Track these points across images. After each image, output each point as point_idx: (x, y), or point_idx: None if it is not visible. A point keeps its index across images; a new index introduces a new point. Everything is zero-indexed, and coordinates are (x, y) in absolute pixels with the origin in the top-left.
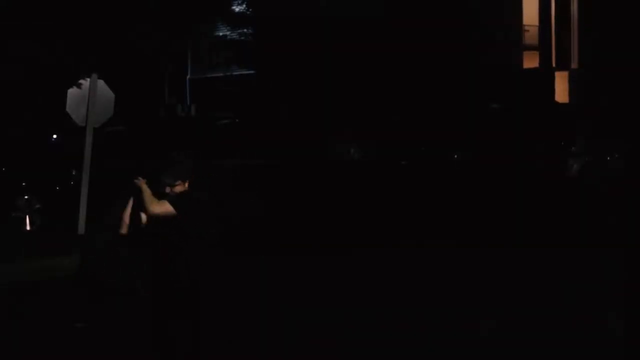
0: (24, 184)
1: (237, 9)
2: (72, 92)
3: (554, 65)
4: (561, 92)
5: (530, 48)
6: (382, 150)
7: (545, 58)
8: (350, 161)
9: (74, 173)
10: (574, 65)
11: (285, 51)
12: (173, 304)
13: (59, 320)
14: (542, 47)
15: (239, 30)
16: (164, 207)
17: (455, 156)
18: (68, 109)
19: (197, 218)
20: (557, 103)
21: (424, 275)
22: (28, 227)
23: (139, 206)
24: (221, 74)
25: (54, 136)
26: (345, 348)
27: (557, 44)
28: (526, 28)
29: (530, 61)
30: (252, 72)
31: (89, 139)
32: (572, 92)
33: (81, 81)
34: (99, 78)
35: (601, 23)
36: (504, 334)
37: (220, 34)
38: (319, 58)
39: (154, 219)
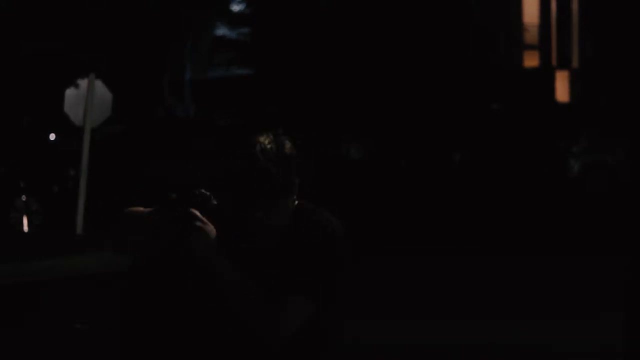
0: (22, 184)
1: (236, 8)
2: (69, 92)
3: (554, 64)
4: (562, 91)
5: (531, 47)
6: (382, 150)
7: (545, 57)
8: (351, 161)
9: (72, 173)
10: (575, 64)
11: (286, 51)
12: None
13: (59, 321)
14: (543, 46)
15: (239, 30)
16: None
17: (456, 156)
18: (66, 109)
19: None
20: (558, 102)
21: (421, 281)
22: (26, 228)
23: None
24: (221, 74)
25: (53, 136)
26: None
27: (558, 43)
28: (527, 27)
29: (531, 60)
30: (252, 72)
31: (86, 139)
32: (572, 91)
33: (79, 81)
34: (97, 78)
35: (602, 22)
36: (503, 336)
37: (220, 34)
38: (320, 59)
39: None
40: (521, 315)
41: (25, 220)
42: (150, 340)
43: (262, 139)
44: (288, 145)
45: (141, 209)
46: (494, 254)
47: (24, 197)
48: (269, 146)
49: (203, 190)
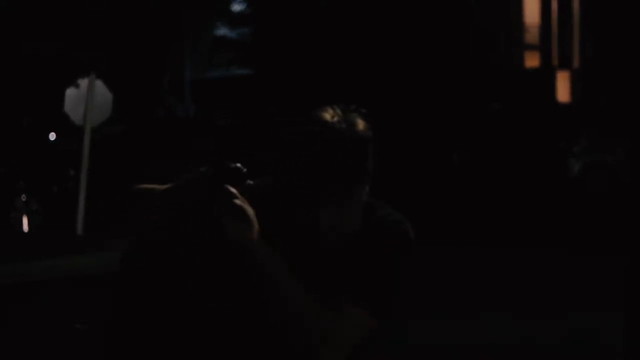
0: (22, 184)
1: (237, 8)
2: (69, 92)
3: (555, 64)
4: (563, 91)
5: (532, 47)
6: (381, 150)
7: (546, 57)
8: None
9: (72, 173)
10: (576, 64)
11: (286, 51)
12: None
13: (59, 321)
14: (544, 46)
15: (239, 30)
16: None
17: (455, 156)
18: (66, 109)
19: None
20: (559, 102)
21: (419, 281)
22: (26, 228)
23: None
24: (221, 74)
25: (53, 136)
26: None
27: (559, 43)
28: (527, 27)
29: (532, 60)
30: (252, 72)
31: (87, 139)
32: (573, 91)
33: (79, 81)
34: (97, 77)
35: (602, 22)
36: (503, 335)
37: (221, 34)
38: (320, 59)
39: None
40: (521, 315)
41: (25, 220)
42: (149, 341)
43: (328, 115)
44: (362, 124)
45: (156, 186)
46: (494, 254)
47: (24, 197)
48: (337, 125)
49: (239, 165)
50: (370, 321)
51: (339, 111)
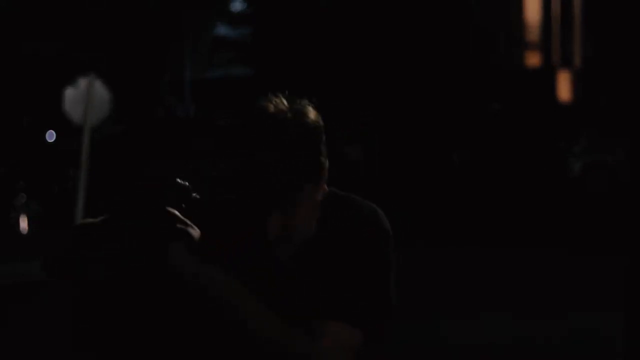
0: (22, 184)
1: (237, 8)
2: (69, 91)
3: (556, 63)
4: (563, 91)
5: (532, 46)
6: (381, 150)
7: (547, 56)
8: (350, 161)
9: (72, 173)
10: (577, 63)
11: (286, 51)
12: None
13: (57, 321)
14: (544, 45)
15: (239, 30)
16: None
17: (455, 156)
18: (65, 108)
19: None
20: (559, 102)
21: (418, 282)
22: (26, 228)
23: None
24: (221, 74)
25: (51, 133)
26: None
27: (560, 42)
28: (528, 26)
29: (532, 60)
30: (252, 72)
31: (86, 139)
32: (574, 90)
33: (78, 80)
34: (97, 77)
35: (604, 21)
36: (503, 334)
37: (221, 34)
38: (320, 59)
39: None
40: (521, 315)
41: (25, 220)
42: (147, 341)
43: (273, 106)
44: (312, 113)
45: (92, 220)
46: (494, 254)
47: (24, 197)
48: (282, 115)
49: (179, 180)
50: (358, 335)
51: (284, 100)
